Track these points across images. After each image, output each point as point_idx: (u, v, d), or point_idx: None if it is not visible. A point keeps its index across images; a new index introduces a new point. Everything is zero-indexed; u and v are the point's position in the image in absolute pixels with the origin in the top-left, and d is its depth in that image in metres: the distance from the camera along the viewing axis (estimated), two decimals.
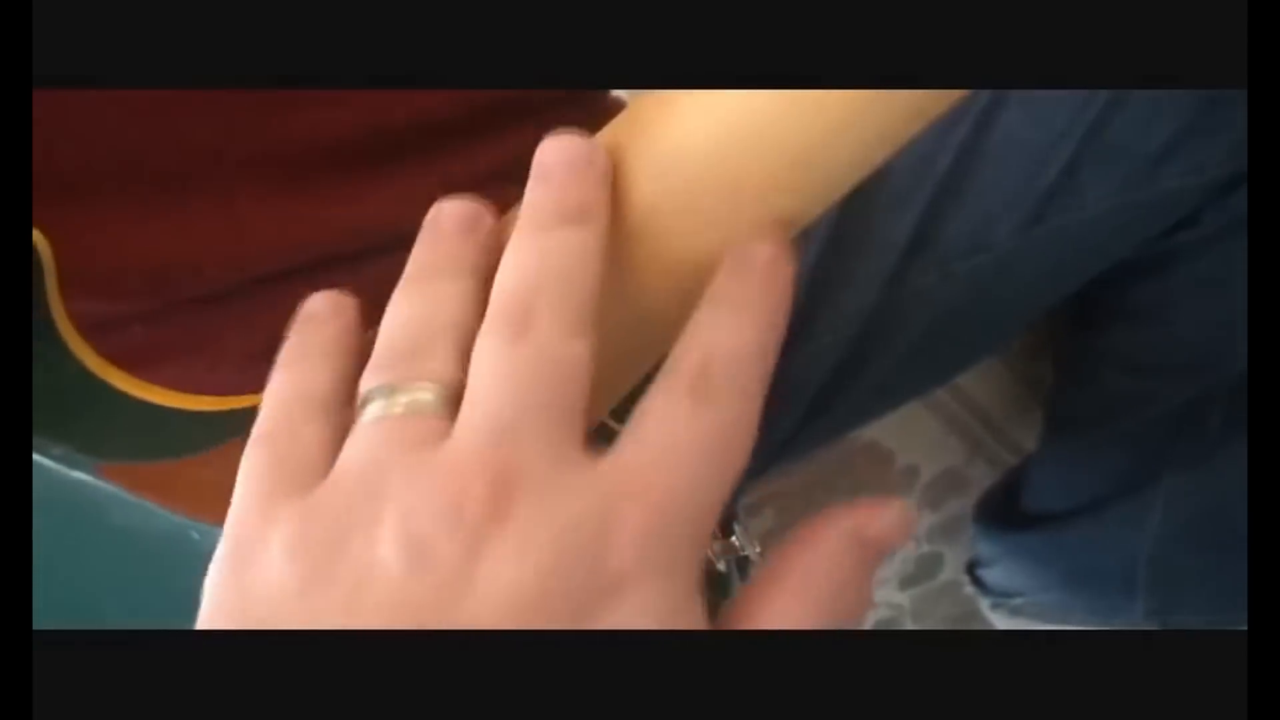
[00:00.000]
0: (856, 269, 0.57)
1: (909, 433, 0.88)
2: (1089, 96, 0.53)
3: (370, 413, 0.25)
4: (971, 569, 0.88)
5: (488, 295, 0.26)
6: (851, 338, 0.58)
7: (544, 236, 0.26)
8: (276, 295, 0.46)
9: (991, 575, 0.86)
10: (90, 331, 0.35)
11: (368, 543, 0.23)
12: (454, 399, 0.25)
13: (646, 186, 0.27)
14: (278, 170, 0.45)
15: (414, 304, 0.27)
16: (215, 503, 0.27)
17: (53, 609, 0.26)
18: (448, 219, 0.29)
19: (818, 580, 0.24)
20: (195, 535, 0.25)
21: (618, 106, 0.58)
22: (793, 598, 0.24)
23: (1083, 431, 0.74)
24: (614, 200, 0.27)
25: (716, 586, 0.36)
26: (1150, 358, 0.67)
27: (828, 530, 0.25)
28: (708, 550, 0.32)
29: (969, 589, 0.89)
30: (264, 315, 0.41)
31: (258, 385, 0.29)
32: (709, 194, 0.27)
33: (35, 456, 0.32)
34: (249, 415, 0.27)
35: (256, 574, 0.24)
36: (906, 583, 0.96)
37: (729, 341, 0.25)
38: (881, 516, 0.25)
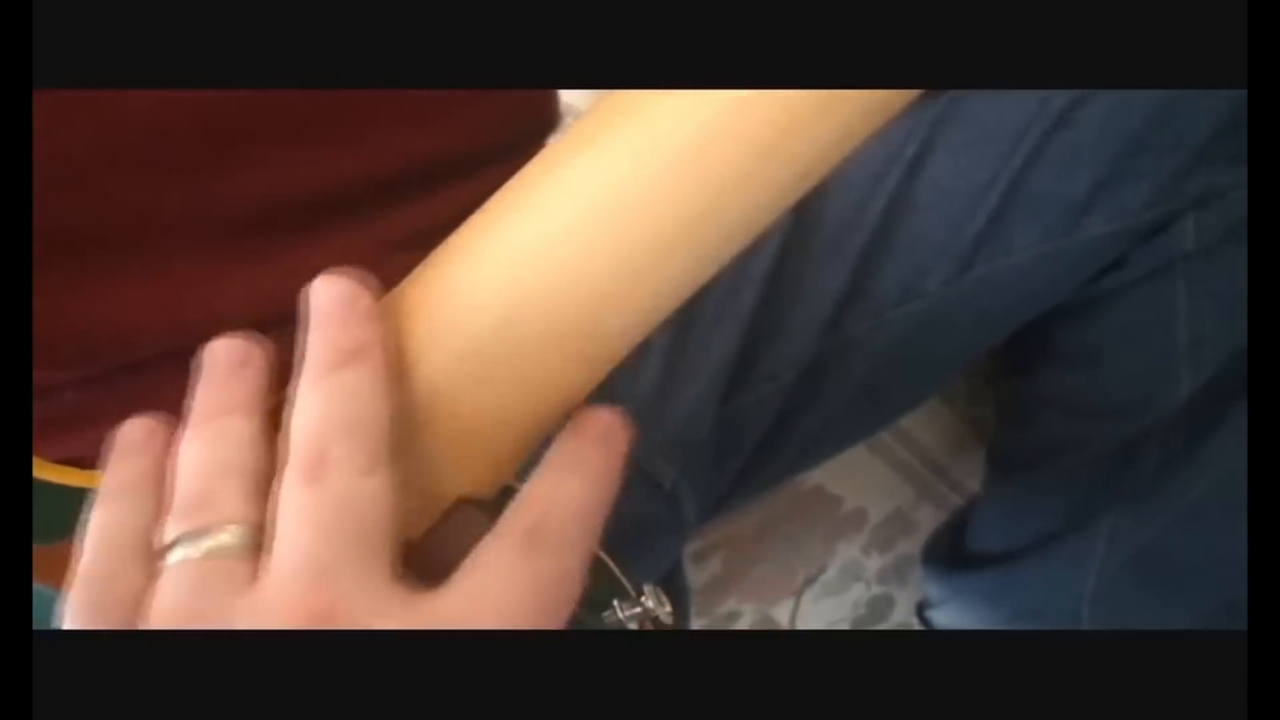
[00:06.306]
0: (793, 317, 0.57)
1: (855, 476, 0.88)
2: (1012, 146, 0.55)
3: (174, 556, 0.26)
4: (921, 610, 0.89)
5: (271, 428, 0.28)
6: (792, 384, 0.59)
7: (325, 381, 0.28)
8: None
9: (941, 616, 0.86)
10: None
11: None
12: (254, 541, 0.26)
13: (436, 358, 0.29)
14: (213, 234, 0.44)
15: (201, 448, 0.28)
16: None
17: None
18: (221, 359, 0.30)
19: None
20: None
21: None
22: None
23: (1023, 473, 0.76)
24: (402, 372, 0.29)
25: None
26: (1083, 401, 0.68)
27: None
28: (618, 614, 0.33)
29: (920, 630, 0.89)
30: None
31: None
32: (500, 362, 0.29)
33: None
34: None
35: None
36: (859, 624, 0.96)
37: (565, 498, 0.27)
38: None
